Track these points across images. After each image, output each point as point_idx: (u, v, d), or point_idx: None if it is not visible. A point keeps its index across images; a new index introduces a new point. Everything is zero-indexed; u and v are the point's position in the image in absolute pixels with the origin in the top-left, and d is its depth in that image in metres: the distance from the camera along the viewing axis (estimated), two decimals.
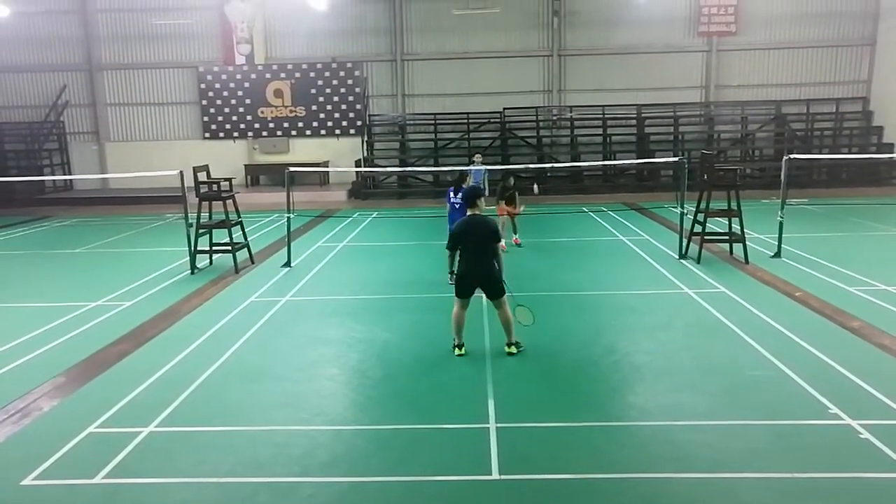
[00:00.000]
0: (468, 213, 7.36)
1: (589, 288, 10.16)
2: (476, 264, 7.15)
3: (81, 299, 10.01)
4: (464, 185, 9.30)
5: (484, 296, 7.43)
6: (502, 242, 12.81)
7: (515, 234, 13.07)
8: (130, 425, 5.80)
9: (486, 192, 9.12)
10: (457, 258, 7.31)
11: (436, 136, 23.75)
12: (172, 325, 8.71)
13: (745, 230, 11.45)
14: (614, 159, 22.99)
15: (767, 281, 10.15)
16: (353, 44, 24.44)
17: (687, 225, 11.84)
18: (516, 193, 12.97)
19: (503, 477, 4.88)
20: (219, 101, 24.54)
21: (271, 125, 24.63)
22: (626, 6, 23.06)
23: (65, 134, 25.28)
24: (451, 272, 7.44)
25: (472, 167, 14.66)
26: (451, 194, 10.44)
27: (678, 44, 23.78)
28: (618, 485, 4.77)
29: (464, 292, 7.28)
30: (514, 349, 7.33)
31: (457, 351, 7.29)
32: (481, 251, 7.13)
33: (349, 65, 24.14)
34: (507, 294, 7.24)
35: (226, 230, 11.74)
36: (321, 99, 24.32)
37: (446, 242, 7.37)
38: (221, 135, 24.78)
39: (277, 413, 6.05)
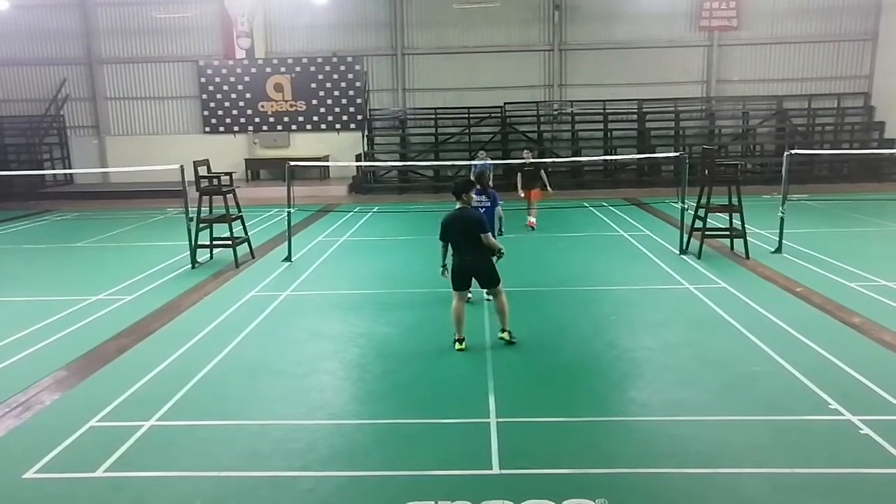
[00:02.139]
0: (457, 206, 7.32)
1: (589, 283, 10.16)
2: (466, 256, 7.20)
3: (82, 293, 10.01)
4: (478, 186, 8.94)
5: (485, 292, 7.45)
6: (531, 219, 14.17)
7: (532, 216, 14.44)
8: (131, 419, 5.80)
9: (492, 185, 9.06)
10: (449, 252, 7.37)
11: (436, 130, 23.72)
12: (173, 320, 8.71)
13: (745, 225, 11.43)
14: (615, 154, 22.95)
15: (768, 276, 10.15)
16: (353, 38, 24.38)
17: (688, 220, 11.82)
18: (542, 174, 14.43)
19: (503, 471, 4.89)
20: (219, 96, 24.51)
21: (271, 119, 24.60)
22: (627, 1, 23.00)
23: (65, 128, 25.26)
24: (444, 266, 7.47)
25: (476, 161, 14.73)
26: (474, 196, 9.53)
27: (679, 38, 23.73)
28: (618, 480, 4.77)
29: (459, 285, 7.34)
30: (507, 335, 7.44)
31: (457, 345, 7.31)
32: (470, 243, 7.16)
33: (349, 59, 24.09)
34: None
35: (226, 224, 11.73)
36: (321, 93, 24.29)
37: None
38: (221, 129, 24.76)
39: (278, 407, 6.06)
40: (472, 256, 7.18)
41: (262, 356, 7.33)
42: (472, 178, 9.30)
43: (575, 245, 13.02)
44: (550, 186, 14.90)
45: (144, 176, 19.86)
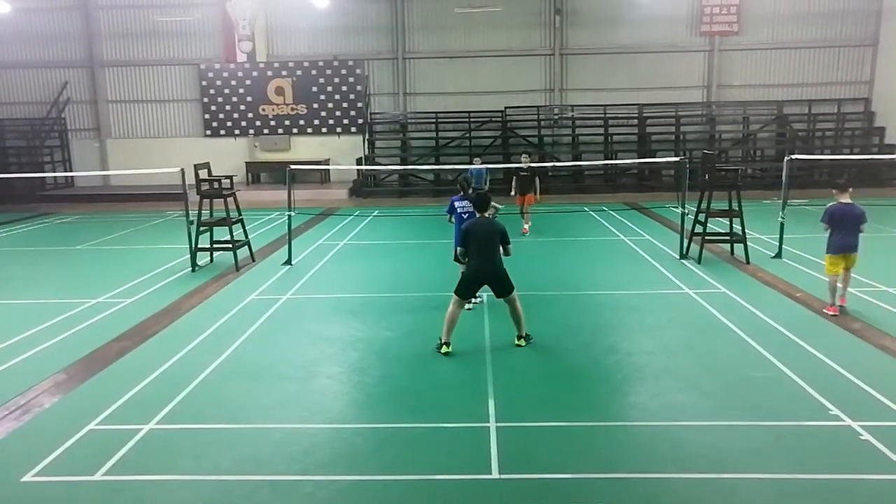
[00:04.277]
0: (478, 216, 7.51)
1: (590, 287, 10.16)
2: (484, 263, 7.28)
3: (82, 296, 10.01)
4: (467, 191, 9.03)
5: (485, 295, 7.47)
6: (525, 227, 14.27)
7: (526, 223, 14.46)
8: (131, 422, 5.80)
9: (488, 189, 9.13)
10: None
11: (437, 134, 23.73)
12: (173, 323, 8.71)
13: (745, 230, 11.44)
14: (616, 159, 22.98)
15: (768, 281, 10.15)
16: (354, 42, 24.43)
17: (688, 225, 11.83)
18: (536, 180, 14.37)
19: (503, 476, 4.88)
20: (220, 99, 24.54)
21: (272, 123, 24.63)
22: (628, 5, 23.04)
23: (66, 130, 25.29)
24: (465, 262, 7.64)
25: (472, 167, 14.80)
26: (458, 203, 9.04)
27: (680, 43, 23.76)
28: (618, 485, 4.77)
29: (466, 293, 7.43)
30: (522, 342, 7.49)
31: (444, 349, 7.32)
32: (488, 251, 7.25)
33: (351, 63, 24.13)
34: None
35: (227, 228, 11.74)
36: (322, 97, 24.32)
37: (456, 246, 7.63)
38: (222, 132, 24.79)
39: (277, 411, 6.05)
40: (488, 263, 7.26)
41: (261, 360, 7.33)
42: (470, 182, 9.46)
43: (575, 249, 13.02)
44: (540, 192, 14.74)
45: (145, 179, 19.90)
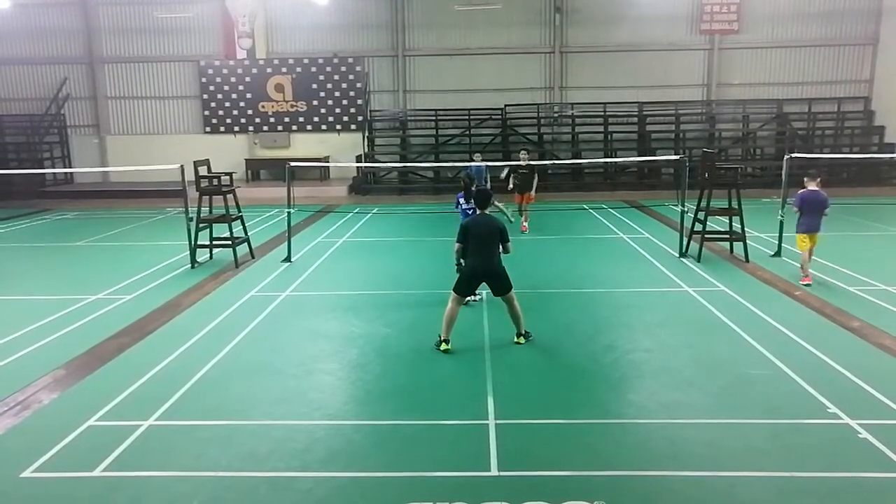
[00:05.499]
0: (478, 213, 7.53)
1: (589, 285, 10.16)
2: (482, 261, 7.29)
3: (81, 293, 10.01)
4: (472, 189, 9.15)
5: (484, 293, 7.49)
6: (524, 224, 14.18)
7: (525, 221, 14.36)
8: (130, 419, 5.80)
9: (489, 186, 9.20)
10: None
11: (437, 132, 23.73)
12: (172, 319, 8.71)
13: (745, 229, 11.44)
14: (615, 157, 22.98)
15: (767, 280, 10.16)
16: (354, 39, 24.40)
17: (687, 223, 11.84)
18: (534, 178, 14.28)
19: (502, 473, 4.89)
20: (220, 96, 24.52)
21: (272, 120, 24.61)
22: (628, 4, 23.03)
23: (65, 127, 25.27)
24: (459, 264, 7.65)
25: (472, 164, 14.78)
26: (462, 201, 9.54)
27: (680, 41, 23.76)
28: (616, 482, 4.77)
29: (466, 290, 7.46)
30: (522, 340, 7.51)
31: (443, 346, 7.33)
32: (487, 248, 7.27)
33: (350, 60, 24.11)
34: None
35: (226, 225, 11.73)
36: (322, 94, 24.31)
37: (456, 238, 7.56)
38: (222, 129, 24.77)
39: (276, 408, 6.06)
40: (487, 261, 7.28)
41: (261, 356, 7.33)
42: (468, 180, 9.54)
43: (574, 247, 13.02)
44: (540, 190, 14.57)
45: (145, 175, 19.88)
